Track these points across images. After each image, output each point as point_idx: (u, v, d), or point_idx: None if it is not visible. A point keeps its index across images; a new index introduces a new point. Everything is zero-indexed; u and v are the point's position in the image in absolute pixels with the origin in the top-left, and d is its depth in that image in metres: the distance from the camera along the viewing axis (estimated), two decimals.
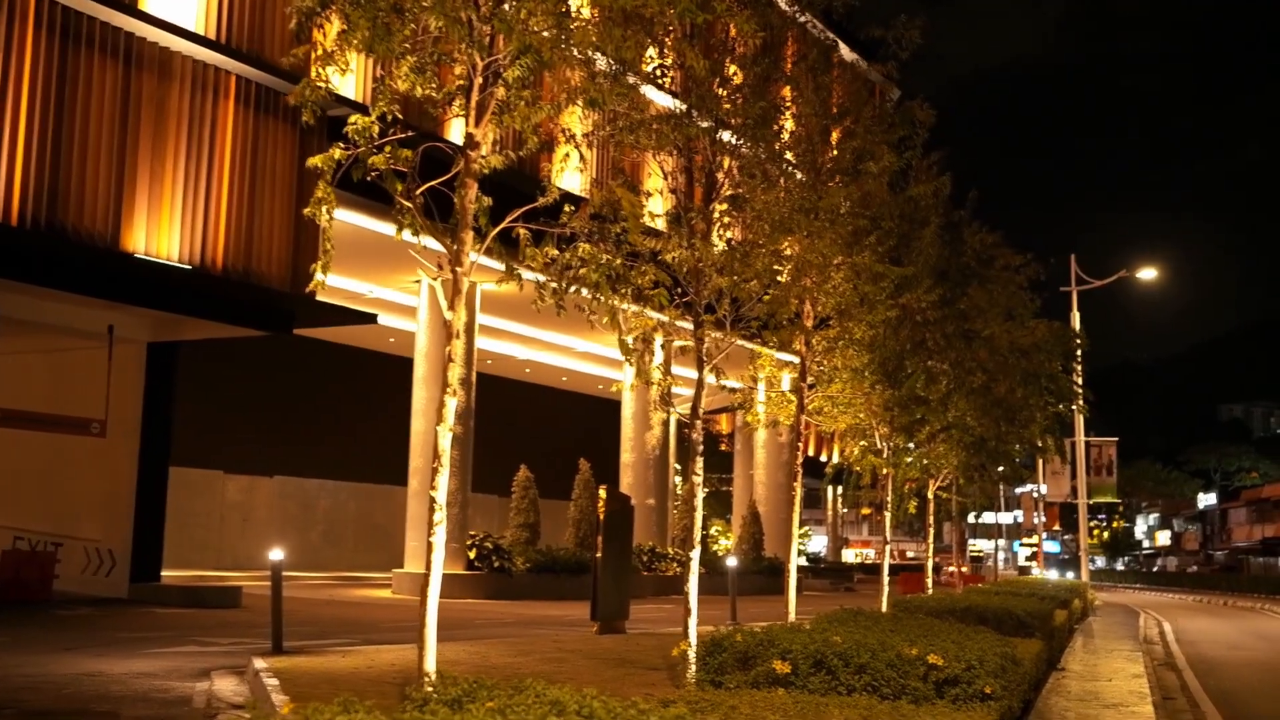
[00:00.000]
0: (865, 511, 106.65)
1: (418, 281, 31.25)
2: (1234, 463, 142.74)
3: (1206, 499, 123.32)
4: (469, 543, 30.54)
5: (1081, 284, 38.83)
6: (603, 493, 17.76)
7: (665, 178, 11.31)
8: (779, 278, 12.45)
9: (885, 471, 18.39)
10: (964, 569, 62.63)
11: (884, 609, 16.44)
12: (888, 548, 18.97)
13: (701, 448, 11.26)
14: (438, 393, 26.12)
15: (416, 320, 31.76)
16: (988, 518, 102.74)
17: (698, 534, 11.01)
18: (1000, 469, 28.63)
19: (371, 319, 25.20)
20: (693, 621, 10.60)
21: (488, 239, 7.66)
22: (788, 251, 12.75)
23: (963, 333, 19.20)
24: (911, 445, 19.77)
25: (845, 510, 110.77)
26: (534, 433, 46.60)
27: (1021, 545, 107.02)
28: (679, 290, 11.42)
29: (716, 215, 11.13)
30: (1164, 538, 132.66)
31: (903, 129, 14.90)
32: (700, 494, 11.24)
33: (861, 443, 19.28)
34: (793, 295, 12.86)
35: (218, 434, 36.13)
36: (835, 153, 13.79)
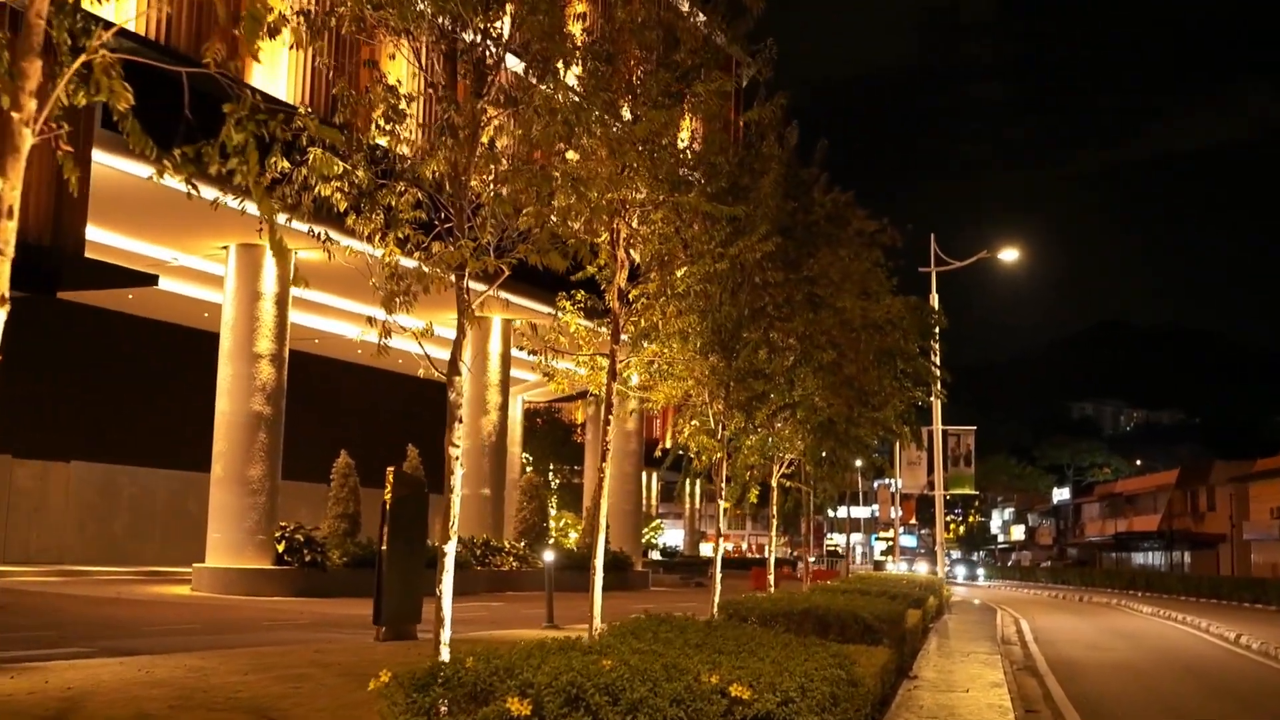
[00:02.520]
0: (725, 504, 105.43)
1: (225, 247, 28.29)
2: (1087, 458, 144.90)
3: (1061, 494, 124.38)
4: (278, 534, 27.72)
5: (941, 264, 37.21)
6: (389, 475, 15.24)
7: (421, 68, 8.89)
8: (579, 203, 10.10)
9: (719, 455, 16.18)
10: (817, 565, 61.23)
11: (714, 612, 14.21)
12: (720, 540, 16.77)
13: (461, 413, 8.92)
14: (245, 368, 23.24)
15: (224, 290, 28.79)
16: (845, 512, 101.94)
17: (454, 522, 8.61)
18: (858, 461, 26.75)
19: (151, 281, 22.16)
20: (445, 635, 8.21)
21: (71, 69, 5.12)
22: (597, 179, 10.43)
23: (809, 299, 17.09)
24: (754, 426, 17.62)
25: (704, 503, 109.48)
26: (363, 417, 43.65)
27: (878, 539, 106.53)
28: (441, 216, 9.06)
29: (486, 116, 8.75)
30: (1019, 532, 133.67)
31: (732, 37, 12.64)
32: (459, 471, 8.85)
33: (693, 421, 17.10)
34: (591, 222, 10.53)
35: (6, 415, 32.66)
36: (652, 67, 11.48)
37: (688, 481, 57.13)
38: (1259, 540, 72.68)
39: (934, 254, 36.74)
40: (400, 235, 8.96)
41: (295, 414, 30.81)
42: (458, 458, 8.80)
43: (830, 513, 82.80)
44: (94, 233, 24.29)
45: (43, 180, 19.58)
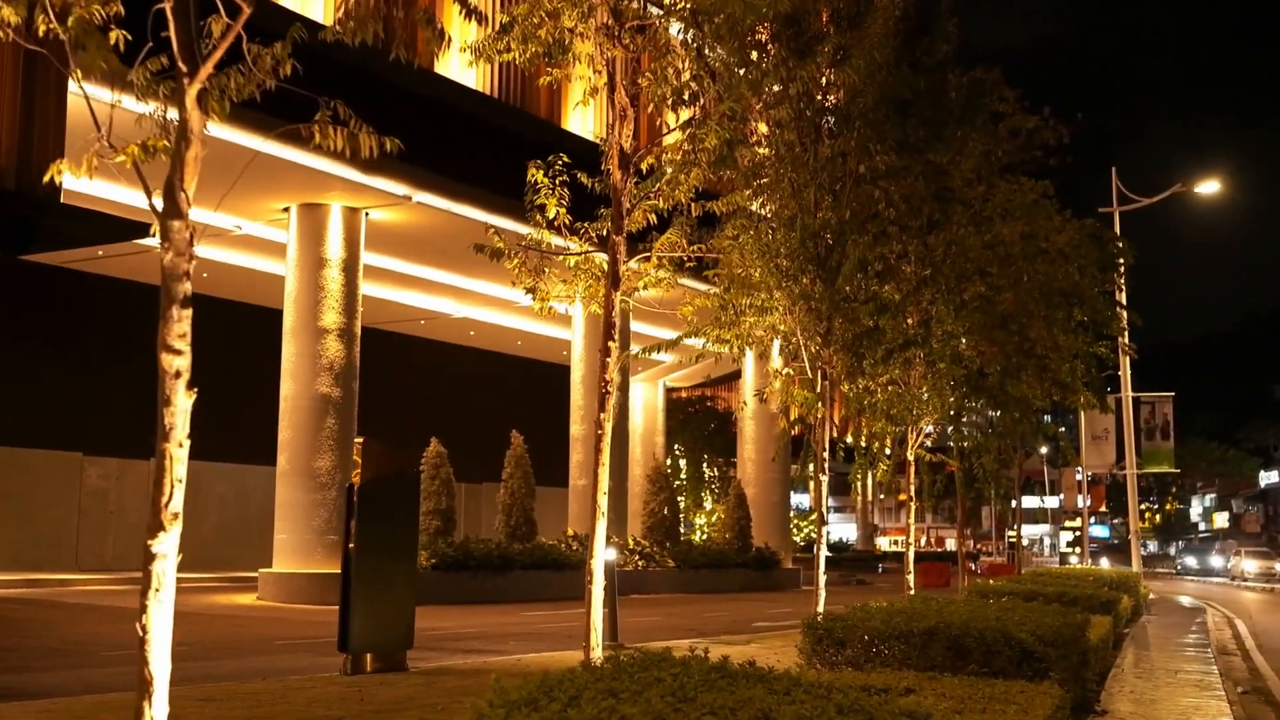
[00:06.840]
0: (902, 497, 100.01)
1: (286, 210, 24.87)
2: None
3: (1269, 477, 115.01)
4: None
5: (1126, 203, 31.72)
6: (357, 449, 11.30)
7: None
8: None
9: (820, 413, 11.84)
10: (993, 558, 55.77)
11: (800, 643, 9.80)
12: (825, 530, 12.36)
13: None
14: (310, 345, 19.65)
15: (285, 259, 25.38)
16: (1031, 501, 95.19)
17: (169, 496, 4.60)
18: (1026, 434, 21.95)
19: (139, 232, 18.31)
20: (157, 693, 4.16)
21: None
22: None
23: (938, 195, 12.62)
24: (866, 376, 13.20)
25: (883, 495, 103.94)
26: (463, 404, 39.29)
27: (1063, 529, 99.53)
28: None
29: None
30: (1222, 519, 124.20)
31: None
32: (183, 402, 4.82)
33: (785, 371, 12.82)
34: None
35: (74, 410, 29.86)
36: None
37: (805, 458, 52.09)
38: None
39: (1115, 191, 31.33)
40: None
41: (377, 399, 27.46)
42: (178, 374, 4.74)
43: (1012, 502, 76.80)
44: (118, 192, 21.08)
45: (7, 114, 16.18)
